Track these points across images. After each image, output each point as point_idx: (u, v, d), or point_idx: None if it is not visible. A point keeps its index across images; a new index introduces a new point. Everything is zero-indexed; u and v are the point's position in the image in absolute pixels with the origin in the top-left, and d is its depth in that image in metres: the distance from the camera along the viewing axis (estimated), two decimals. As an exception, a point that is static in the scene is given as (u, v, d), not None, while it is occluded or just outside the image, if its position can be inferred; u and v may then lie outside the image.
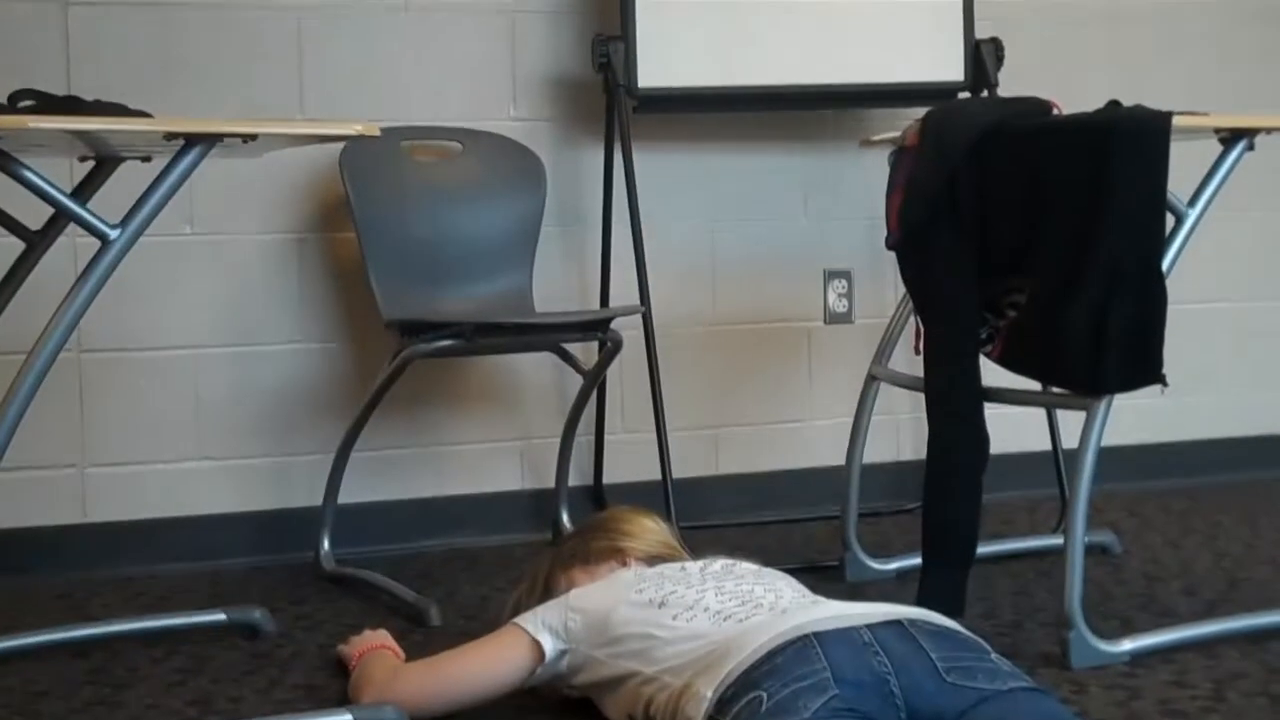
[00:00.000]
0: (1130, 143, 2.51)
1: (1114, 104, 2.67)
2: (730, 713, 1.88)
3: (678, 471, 3.51)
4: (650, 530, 2.58)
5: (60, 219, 2.52)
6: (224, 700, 2.51)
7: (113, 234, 2.16)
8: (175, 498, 3.52)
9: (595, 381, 3.53)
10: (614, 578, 2.42)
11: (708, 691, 1.95)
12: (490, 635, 2.37)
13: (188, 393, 3.53)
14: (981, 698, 1.86)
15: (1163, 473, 4.24)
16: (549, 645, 2.29)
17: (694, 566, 2.37)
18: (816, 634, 1.94)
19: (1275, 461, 4.39)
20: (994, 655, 1.98)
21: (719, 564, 2.38)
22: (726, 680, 1.93)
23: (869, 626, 1.97)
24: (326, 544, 3.38)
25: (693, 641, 2.11)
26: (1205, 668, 2.53)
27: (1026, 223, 2.64)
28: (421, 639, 2.79)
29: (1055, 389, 2.84)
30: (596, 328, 3.31)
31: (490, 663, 2.34)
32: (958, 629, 2.05)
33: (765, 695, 1.85)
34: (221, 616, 2.92)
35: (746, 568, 2.37)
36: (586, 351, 3.52)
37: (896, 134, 2.96)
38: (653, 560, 2.49)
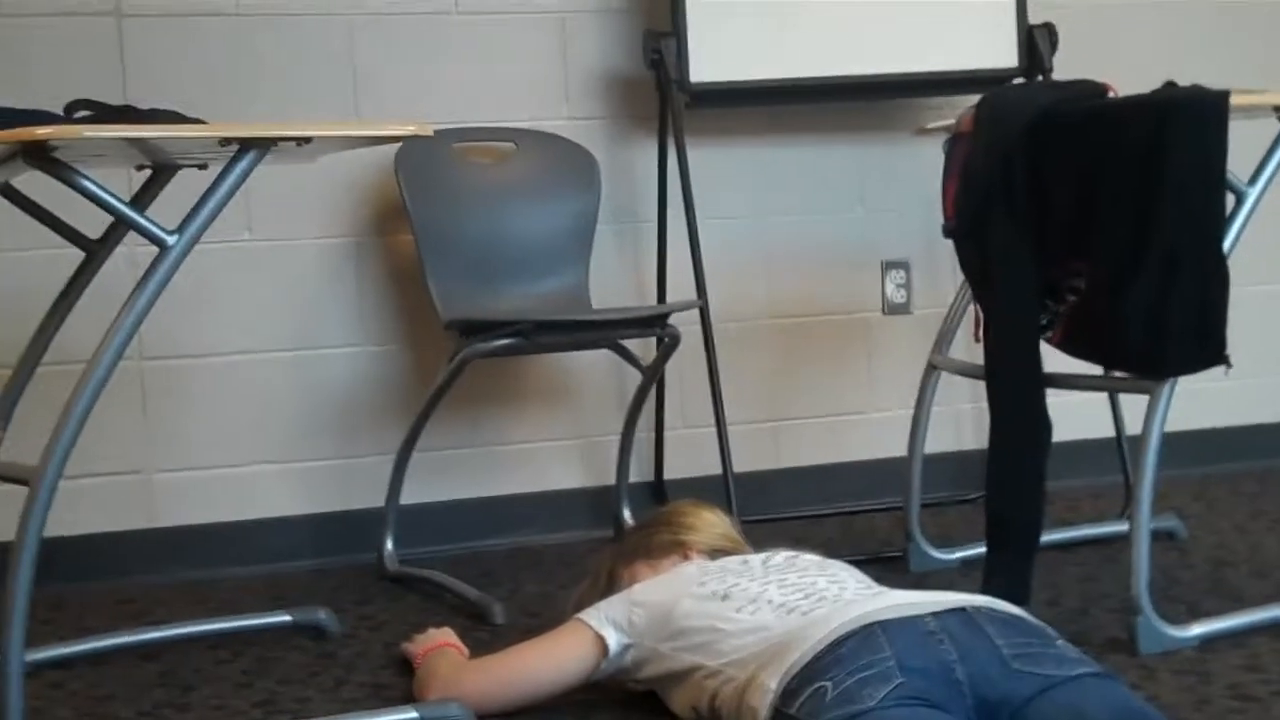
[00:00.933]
0: (1188, 122, 2.49)
1: (1170, 85, 2.65)
2: (795, 704, 1.88)
3: (738, 465, 3.51)
4: (712, 523, 2.58)
5: (119, 227, 2.54)
6: (290, 701, 2.52)
7: (171, 240, 2.17)
8: (239, 501, 3.55)
9: (654, 377, 3.53)
10: (677, 571, 2.41)
11: (772, 683, 1.95)
12: (554, 631, 2.37)
13: (249, 397, 3.55)
14: (1049, 684, 1.84)
15: (1229, 456, 4.20)
16: (613, 640, 2.29)
17: (756, 559, 2.37)
18: (881, 623, 1.94)
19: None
20: (1060, 641, 1.97)
21: (781, 556, 2.37)
22: (791, 671, 1.93)
23: (934, 615, 1.97)
24: (390, 544, 3.40)
25: (757, 634, 2.11)
26: (1276, 651, 2.51)
27: (1084, 206, 2.62)
28: (486, 637, 2.80)
29: (1117, 373, 2.82)
30: (654, 323, 3.31)
31: (555, 658, 2.34)
32: (1024, 616, 2.04)
33: (830, 685, 1.85)
34: (287, 618, 2.94)
35: (809, 560, 2.36)
36: (644, 348, 3.52)
37: (951, 121, 2.95)
38: (715, 553, 2.49)
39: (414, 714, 2.28)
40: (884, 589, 2.24)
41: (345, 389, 3.62)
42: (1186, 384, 2.59)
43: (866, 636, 1.91)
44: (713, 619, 2.19)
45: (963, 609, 1.99)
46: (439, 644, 2.54)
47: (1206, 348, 2.52)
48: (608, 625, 2.31)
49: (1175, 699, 2.31)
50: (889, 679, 1.82)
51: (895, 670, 1.84)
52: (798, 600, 2.16)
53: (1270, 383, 4.24)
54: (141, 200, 2.54)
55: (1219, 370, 2.54)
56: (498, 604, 2.98)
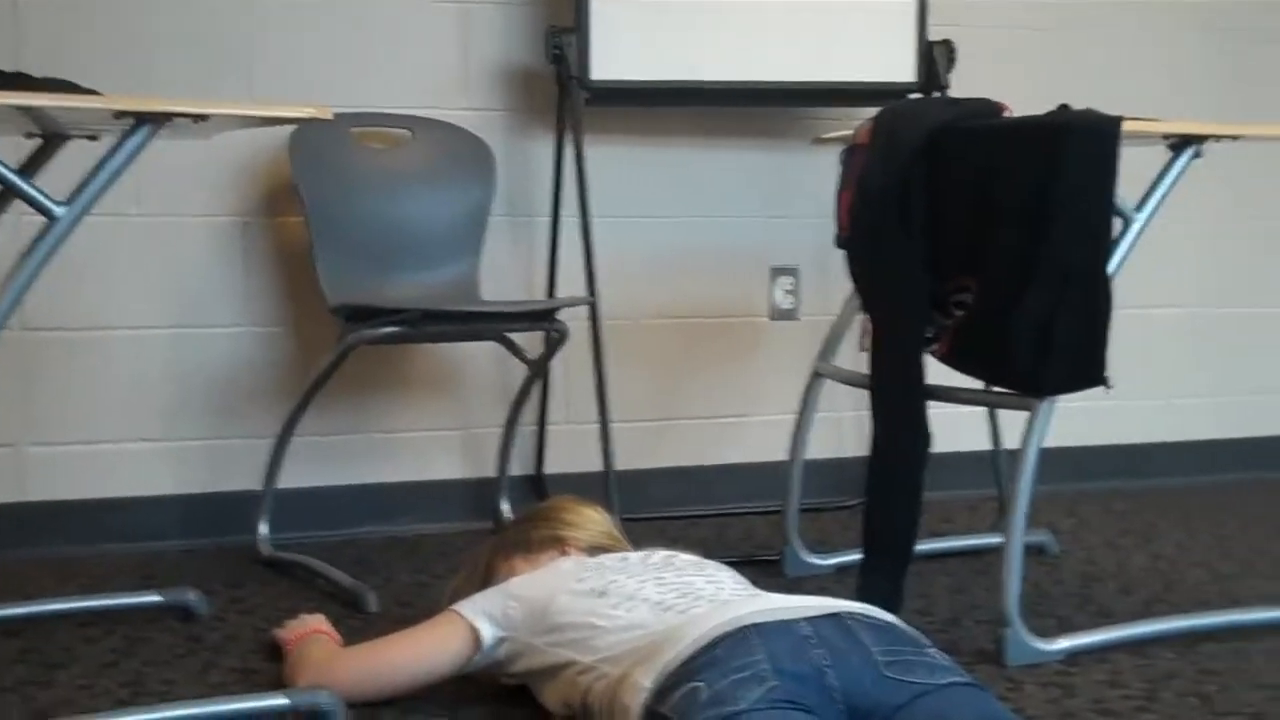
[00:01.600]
0: (1080, 145, 2.52)
1: (1064, 108, 2.69)
2: (669, 703, 1.89)
3: (620, 463, 3.51)
4: (592, 520, 2.59)
5: (6, 195, 2.50)
6: (157, 682, 2.50)
7: (59, 211, 2.14)
8: (114, 479, 3.50)
9: (540, 371, 3.53)
10: (554, 566, 2.42)
11: (646, 681, 1.95)
12: (428, 621, 2.37)
13: (130, 373, 3.50)
14: (919, 692, 1.86)
15: (1102, 475, 4.27)
16: (487, 632, 2.29)
17: (635, 557, 2.38)
18: (756, 625, 1.95)
19: (1213, 466, 4.44)
20: (933, 650, 1.99)
21: (660, 555, 2.38)
22: (665, 670, 1.94)
23: (809, 620, 1.98)
24: (264, 528, 3.37)
25: (632, 631, 2.11)
26: (1139, 667, 2.56)
27: (975, 223, 2.65)
28: (359, 625, 2.78)
29: (999, 389, 2.86)
30: (543, 318, 3.31)
31: (427, 648, 2.33)
32: (897, 623, 2.06)
33: (704, 685, 1.85)
34: (157, 598, 2.91)
35: (687, 559, 2.37)
36: (532, 341, 3.51)
37: (848, 132, 2.97)
38: (594, 550, 2.49)
39: (284, 700, 2.26)
40: (761, 591, 2.26)
41: (227, 369, 3.58)
42: (1064, 402, 2.62)
43: (741, 639, 1.92)
44: (589, 615, 2.19)
45: (837, 614, 2.01)
46: (311, 630, 2.53)
47: (1088, 368, 2.56)
48: (482, 618, 2.30)
49: (1040, 711, 2.35)
50: (763, 681, 1.83)
51: (769, 673, 1.85)
52: (675, 599, 2.17)
53: (1145, 405, 4.32)
54: (30, 170, 2.50)
55: (1098, 390, 2.58)
56: (371, 592, 2.97)
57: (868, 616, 2.03)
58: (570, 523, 2.56)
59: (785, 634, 1.94)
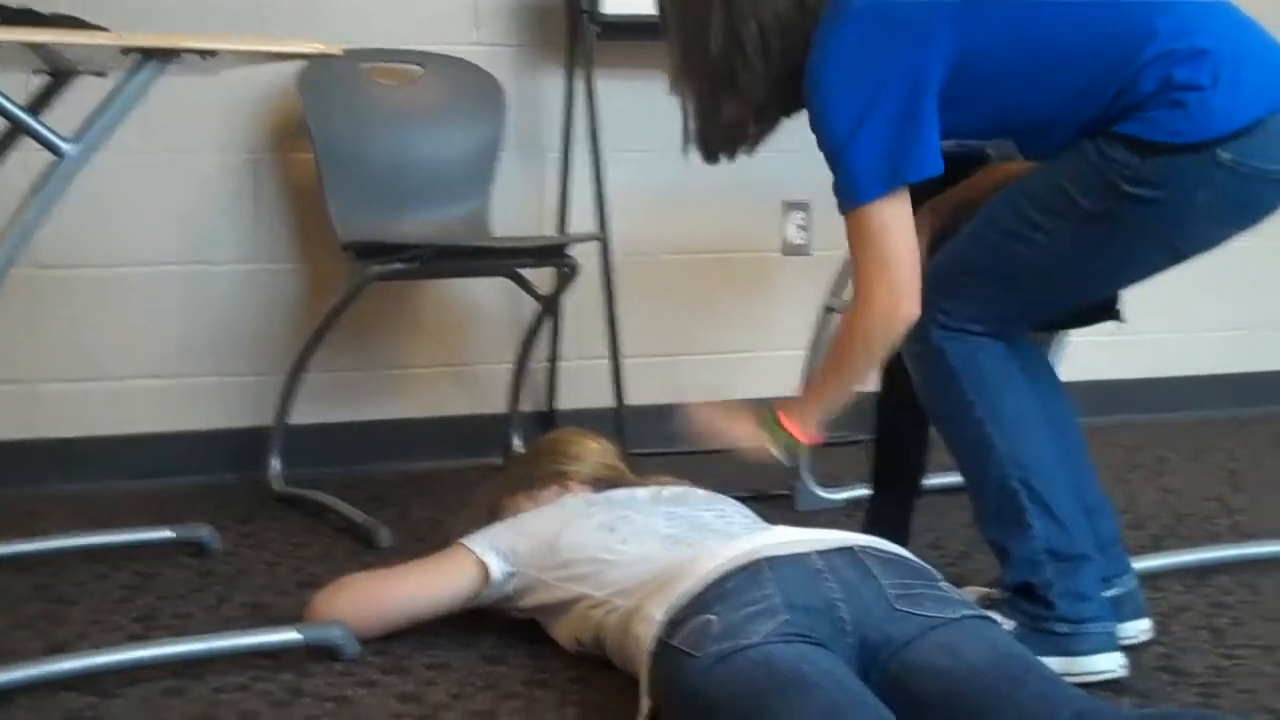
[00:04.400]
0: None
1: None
2: (680, 634, 1.89)
3: (631, 398, 3.52)
4: (594, 451, 2.59)
5: (14, 133, 2.50)
6: (170, 616, 2.51)
7: (67, 148, 2.13)
8: (126, 415, 3.51)
9: (551, 307, 3.53)
10: (561, 502, 2.42)
11: (658, 614, 1.96)
12: (436, 555, 2.38)
13: (141, 311, 3.51)
14: (930, 625, 1.87)
15: (1112, 409, 4.27)
16: (495, 567, 2.30)
17: (644, 492, 2.38)
18: (769, 559, 1.95)
19: (1224, 399, 4.43)
20: (943, 583, 2.00)
21: (670, 490, 2.38)
22: (678, 603, 1.94)
23: (820, 553, 1.98)
24: (276, 464, 3.38)
25: (643, 565, 2.12)
26: (1149, 600, 2.55)
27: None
28: (371, 560, 2.79)
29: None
30: (554, 253, 3.31)
31: (435, 581, 2.34)
32: (908, 556, 2.06)
33: (716, 618, 1.86)
34: (169, 534, 2.92)
35: (698, 494, 2.38)
36: (543, 277, 3.51)
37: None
38: (597, 483, 2.50)
39: (296, 634, 2.27)
40: (770, 525, 2.26)
41: (238, 306, 3.58)
42: (1075, 336, 2.62)
43: (754, 572, 1.93)
44: (598, 550, 2.20)
45: (849, 548, 2.01)
46: None
47: (1100, 303, 2.55)
48: (491, 552, 2.31)
49: (1049, 645, 2.35)
50: (774, 615, 1.84)
51: (780, 607, 1.85)
52: (685, 533, 2.18)
53: (1155, 339, 4.31)
54: (38, 107, 2.50)
55: (1110, 323, 2.57)
56: (383, 527, 2.98)
57: (879, 550, 2.04)
58: (573, 456, 2.57)
59: (797, 567, 1.94)
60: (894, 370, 2.79)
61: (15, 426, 3.44)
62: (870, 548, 2.03)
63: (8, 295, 3.22)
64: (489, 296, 3.74)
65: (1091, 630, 2.21)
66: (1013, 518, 2.24)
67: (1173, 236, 2.17)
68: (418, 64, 3.59)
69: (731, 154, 2.40)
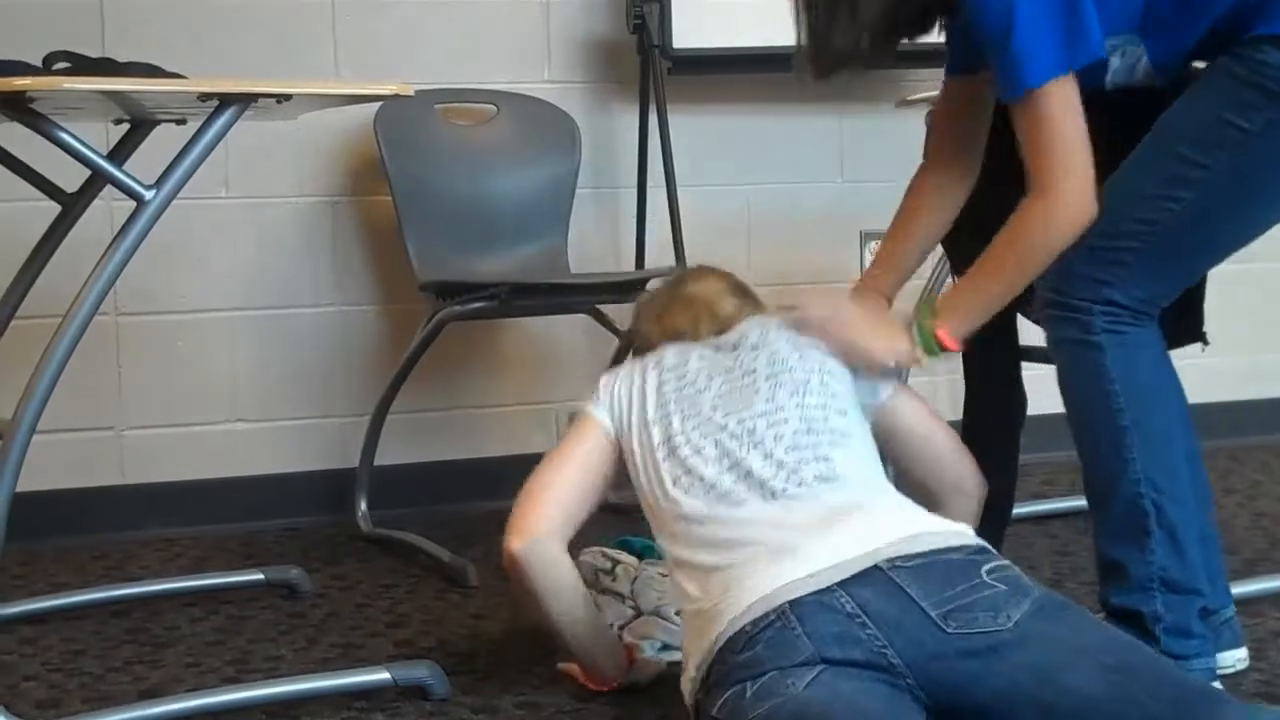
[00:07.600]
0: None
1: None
2: (716, 704, 1.81)
3: (714, 433, 3.50)
4: (692, 303, 2.53)
5: (96, 181, 2.52)
6: (262, 659, 2.52)
7: (148, 195, 2.15)
8: (212, 460, 3.53)
9: (630, 343, 3.52)
10: (642, 371, 2.31)
11: (691, 666, 1.89)
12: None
13: (223, 355, 3.54)
14: (992, 644, 1.75)
15: (1204, 433, 4.19)
16: (609, 425, 2.25)
17: (720, 369, 2.24)
18: (794, 603, 1.81)
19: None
20: (985, 570, 1.85)
21: (763, 357, 2.26)
22: (707, 659, 1.85)
23: (845, 588, 1.81)
24: (363, 505, 3.39)
25: (682, 530, 2.04)
26: (1246, 626, 2.51)
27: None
28: (459, 599, 2.80)
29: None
30: (632, 288, 3.30)
31: (563, 450, 2.30)
32: (937, 546, 1.88)
33: (749, 684, 1.77)
34: (259, 576, 2.94)
35: (782, 386, 2.19)
36: (622, 314, 3.51)
37: (934, 94, 2.94)
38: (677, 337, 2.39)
39: (386, 675, 2.28)
40: (811, 484, 2.03)
41: (320, 349, 3.60)
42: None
43: (781, 628, 1.79)
44: (650, 480, 2.12)
45: (876, 568, 1.83)
46: None
47: (1186, 325, 2.51)
48: (602, 409, 2.26)
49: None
50: (811, 666, 1.75)
51: (816, 659, 1.76)
52: (730, 483, 2.03)
53: (1246, 361, 4.25)
54: (119, 154, 2.52)
55: (1195, 347, 2.54)
56: (471, 566, 2.98)
57: (908, 556, 1.85)
58: (685, 324, 2.47)
59: (826, 613, 1.79)
60: (978, 396, 2.78)
61: (106, 473, 3.47)
62: (898, 558, 1.84)
63: (92, 342, 3.24)
64: (569, 334, 3.74)
65: (1194, 667, 2.16)
66: (1136, 538, 2.17)
67: None
68: (492, 103, 3.61)
69: (845, 68, 2.35)
